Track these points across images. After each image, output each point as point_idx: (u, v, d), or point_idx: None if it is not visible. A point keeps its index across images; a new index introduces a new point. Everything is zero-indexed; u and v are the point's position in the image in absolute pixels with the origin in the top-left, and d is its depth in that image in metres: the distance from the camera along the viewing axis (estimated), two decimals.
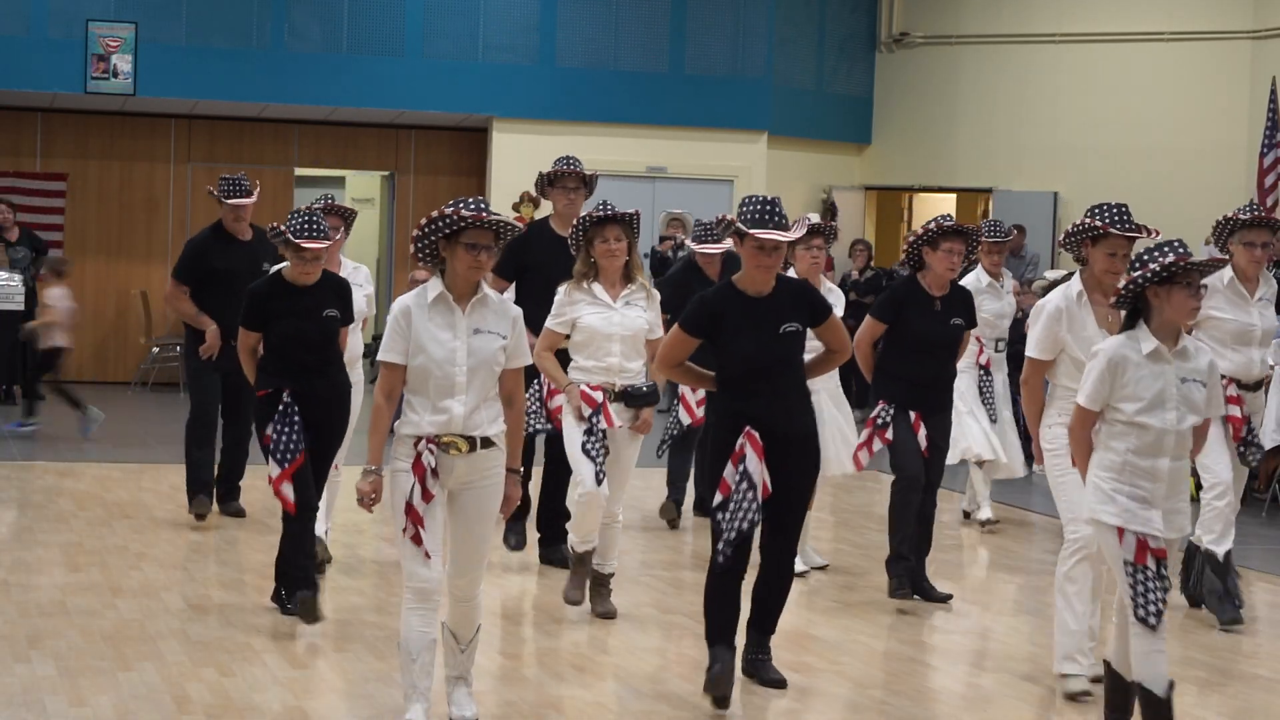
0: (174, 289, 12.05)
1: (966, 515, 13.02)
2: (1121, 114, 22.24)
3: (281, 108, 21.61)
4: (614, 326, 9.13)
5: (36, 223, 20.98)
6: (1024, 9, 23.01)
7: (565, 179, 10.68)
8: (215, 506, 12.03)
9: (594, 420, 9.10)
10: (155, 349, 21.33)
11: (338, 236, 9.83)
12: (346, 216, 10.37)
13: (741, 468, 7.47)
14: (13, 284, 18.93)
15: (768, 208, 7.50)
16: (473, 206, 6.81)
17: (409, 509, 6.83)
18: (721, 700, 7.56)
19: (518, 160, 21.25)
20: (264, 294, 9.07)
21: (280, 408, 8.85)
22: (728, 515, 7.47)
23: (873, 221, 24.20)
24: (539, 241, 10.45)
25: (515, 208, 21.37)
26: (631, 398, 9.17)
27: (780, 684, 7.91)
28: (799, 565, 10.73)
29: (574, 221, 9.27)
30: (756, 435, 7.48)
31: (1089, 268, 7.98)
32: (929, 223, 9.76)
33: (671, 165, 22.08)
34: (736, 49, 22.42)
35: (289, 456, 8.79)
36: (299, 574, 8.93)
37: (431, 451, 6.83)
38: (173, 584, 9.98)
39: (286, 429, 8.81)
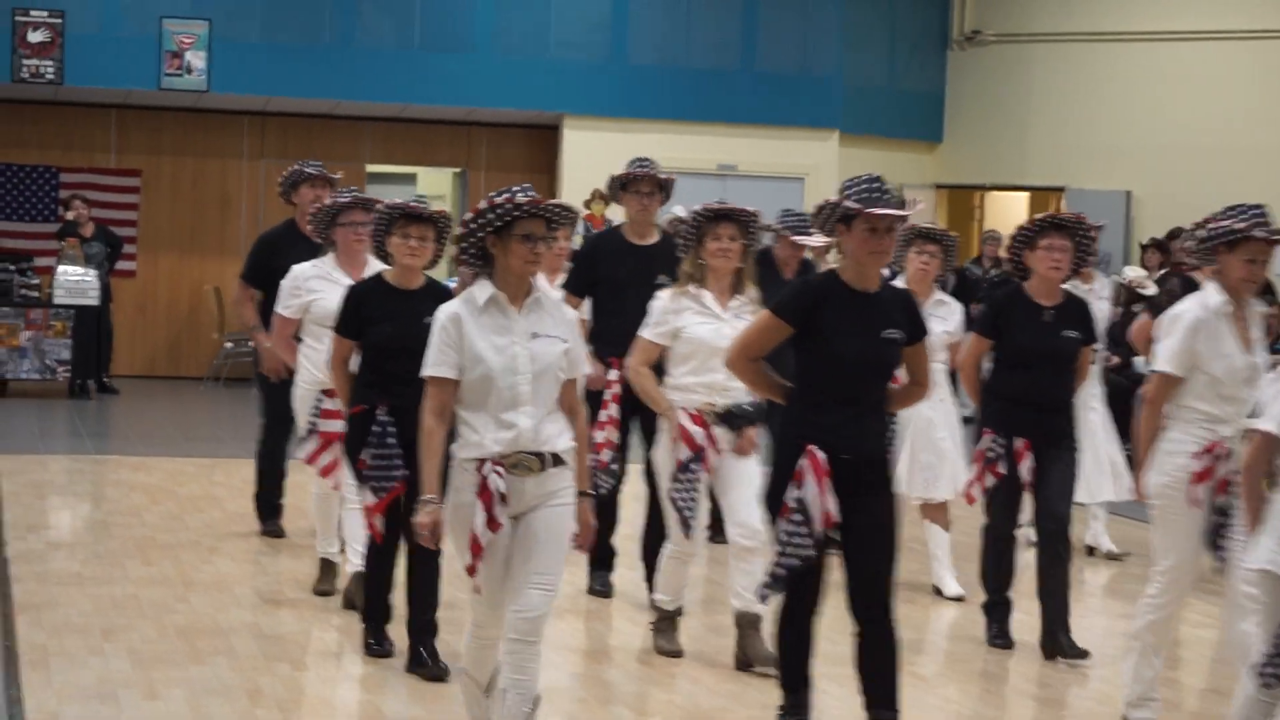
0: (240, 292, 11.31)
1: (1091, 550, 11.86)
2: (1197, 112, 22.08)
3: (353, 104, 21.69)
4: (724, 340, 7.71)
5: (111, 218, 21.15)
6: (1097, 7, 22.87)
7: (639, 183, 9.59)
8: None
9: (692, 466, 8.06)
10: (228, 344, 21.44)
11: (368, 232, 8.91)
12: (373, 210, 8.94)
13: (796, 494, 6.51)
14: (88, 279, 19.12)
15: (877, 185, 6.51)
16: (527, 192, 6.13)
17: (472, 541, 6.07)
18: None
19: (589, 157, 21.26)
20: (361, 295, 8.18)
21: (376, 428, 7.94)
22: (777, 547, 6.56)
23: (944, 220, 24.10)
24: (610, 251, 9.67)
25: (586, 204, 21.39)
26: (734, 418, 8.10)
27: None
28: (954, 589, 10.03)
29: (686, 215, 8.27)
30: (821, 457, 6.49)
31: (1222, 276, 7.12)
32: (1025, 222, 8.74)
33: (742, 163, 22.04)
34: (807, 47, 22.37)
35: (386, 484, 7.91)
36: (421, 626, 8.04)
37: (499, 474, 6.07)
38: (245, 578, 10.03)
39: (383, 452, 7.90)
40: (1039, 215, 8.69)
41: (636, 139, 21.24)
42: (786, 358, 6.75)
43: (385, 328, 7.99)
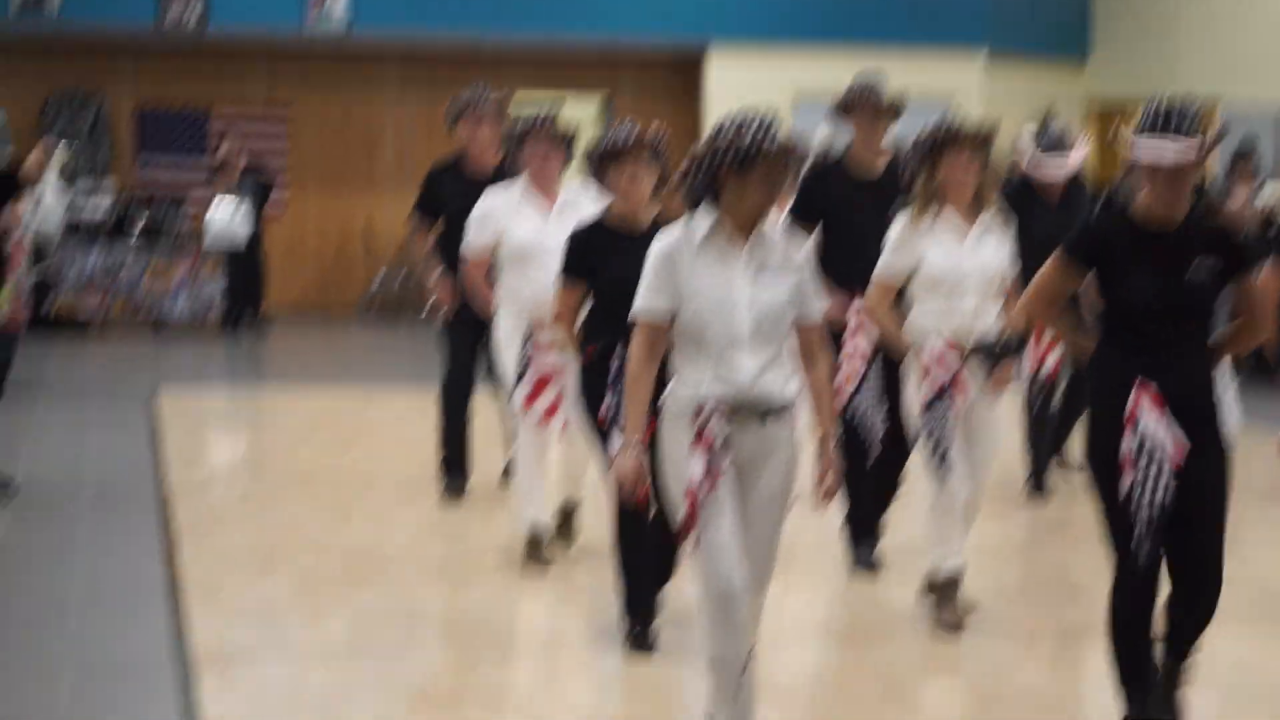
0: (414, 224, 10.41)
1: None
2: None
3: (497, 38, 21.68)
4: (965, 271, 7.40)
5: (261, 159, 21.31)
6: None
7: (863, 107, 8.74)
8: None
9: (944, 397, 7.36)
10: (377, 279, 21.66)
11: (558, 159, 8.69)
12: (567, 140, 8.77)
13: (1139, 432, 5.67)
14: (239, 218, 19.33)
15: (1168, 114, 5.63)
16: (775, 136, 5.44)
17: (689, 495, 5.45)
18: None
19: (734, 85, 21.14)
20: (584, 237, 7.35)
21: (613, 375, 7.06)
22: (1134, 501, 5.66)
23: (1095, 141, 23.69)
24: (837, 181, 8.74)
25: None
26: (986, 353, 7.42)
27: None
28: None
29: (913, 142, 7.52)
30: (1154, 386, 5.66)
31: None
32: None
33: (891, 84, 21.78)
34: None
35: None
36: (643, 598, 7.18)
37: (720, 417, 5.46)
38: (403, 503, 10.08)
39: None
40: None
41: (781, 65, 21.13)
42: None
43: (614, 268, 7.06)
